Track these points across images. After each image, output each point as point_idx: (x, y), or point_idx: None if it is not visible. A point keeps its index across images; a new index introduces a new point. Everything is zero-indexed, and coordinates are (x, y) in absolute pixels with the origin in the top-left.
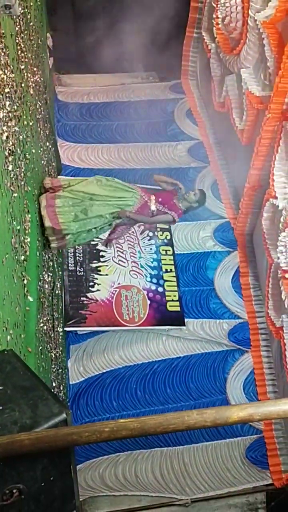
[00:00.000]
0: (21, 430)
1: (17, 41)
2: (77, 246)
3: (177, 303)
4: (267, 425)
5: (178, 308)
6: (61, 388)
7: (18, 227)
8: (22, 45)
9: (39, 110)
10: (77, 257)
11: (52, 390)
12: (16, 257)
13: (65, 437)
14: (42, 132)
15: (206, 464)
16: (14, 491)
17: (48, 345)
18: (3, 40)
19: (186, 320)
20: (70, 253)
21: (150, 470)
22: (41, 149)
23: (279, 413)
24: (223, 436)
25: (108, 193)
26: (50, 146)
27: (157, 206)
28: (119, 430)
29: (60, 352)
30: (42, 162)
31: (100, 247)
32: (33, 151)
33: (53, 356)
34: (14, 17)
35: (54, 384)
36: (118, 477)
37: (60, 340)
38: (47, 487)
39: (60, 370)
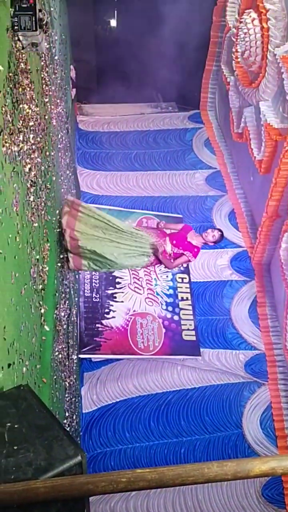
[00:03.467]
0: (35, 472)
1: (42, 75)
2: (93, 273)
3: (193, 332)
4: None
5: (193, 338)
6: (74, 417)
7: (37, 257)
8: (47, 79)
9: (61, 139)
10: (93, 283)
11: (66, 420)
12: (34, 286)
13: (80, 486)
14: (63, 160)
15: (221, 501)
16: None
17: (63, 374)
18: (29, 76)
19: (201, 350)
20: (87, 279)
21: (163, 506)
22: (61, 177)
23: None
24: None
25: (125, 241)
26: (70, 174)
27: (172, 249)
28: (136, 481)
29: (74, 380)
30: (62, 190)
31: (116, 273)
32: (54, 179)
33: (67, 384)
34: (40, 53)
35: (67, 414)
36: None
37: (74, 367)
38: None
39: (73, 399)
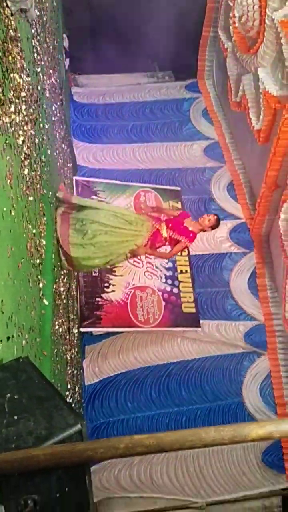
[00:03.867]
0: (36, 441)
1: (33, 44)
2: None
3: (193, 305)
4: None
5: (193, 310)
6: (76, 389)
7: (34, 231)
8: (38, 48)
9: (55, 112)
10: None
11: (68, 392)
12: (31, 261)
13: (80, 453)
14: (57, 134)
15: (222, 467)
16: (29, 501)
17: (64, 347)
18: (19, 44)
19: (201, 321)
20: None
21: (165, 472)
22: (57, 151)
23: None
24: None
25: (120, 225)
26: (65, 148)
27: (168, 233)
28: (134, 446)
29: (76, 354)
30: (58, 164)
31: None
32: (49, 153)
33: (68, 358)
34: (30, 20)
35: (69, 386)
36: (133, 479)
37: (75, 341)
38: (62, 498)
39: (75, 372)
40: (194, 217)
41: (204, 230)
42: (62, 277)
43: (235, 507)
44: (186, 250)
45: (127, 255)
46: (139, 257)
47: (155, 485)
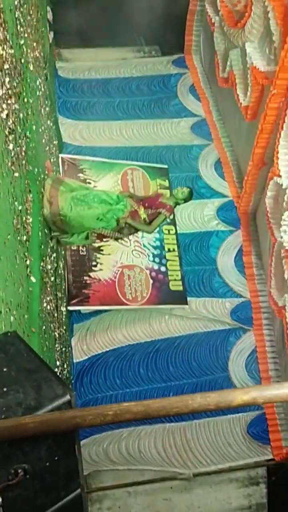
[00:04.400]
0: (25, 411)
1: (16, 15)
2: None
3: (180, 283)
4: None
5: (180, 288)
6: (65, 366)
7: (20, 207)
8: (22, 20)
9: (39, 86)
10: None
11: (57, 369)
12: (18, 237)
13: (68, 420)
14: (42, 109)
15: (208, 439)
16: (19, 470)
17: (52, 325)
18: (1, 15)
19: (188, 299)
20: None
21: (153, 445)
22: (42, 127)
23: (282, 397)
24: (225, 413)
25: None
26: (51, 124)
27: (146, 212)
28: (122, 413)
29: (64, 331)
30: (43, 140)
31: None
32: (34, 128)
33: (57, 335)
34: None
35: (58, 363)
36: (122, 452)
37: (63, 319)
38: (51, 466)
39: (64, 349)
40: None
41: (178, 204)
42: (50, 255)
43: (221, 477)
44: (173, 228)
45: (119, 220)
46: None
47: (143, 458)
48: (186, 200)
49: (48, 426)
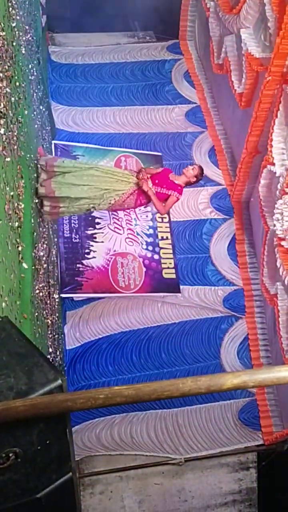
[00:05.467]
0: (16, 396)
1: None
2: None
3: (173, 271)
4: (260, 388)
5: (173, 276)
6: (58, 353)
7: (12, 193)
8: (14, 2)
9: (32, 71)
10: (73, 224)
11: (49, 356)
12: (10, 223)
13: (59, 403)
14: (35, 94)
15: (200, 425)
16: (11, 454)
17: (44, 312)
18: None
19: (181, 287)
20: (65, 220)
21: (145, 431)
22: (34, 112)
23: (272, 380)
24: (216, 399)
25: (105, 178)
26: (43, 109)
27: (155, 188)
28: (113, 397)
29: (57, 319)
30: (36, 126)
31: (96, 214)
32: (26, 113)
33: (49, 322)
34: None
35: (50, 350)
36: (114, 437)
37: (56, 306)
38: (43, 450)
39: (56, 336)
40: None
41: (190, 182)
42: (42, 242)
43: (212, 462)
44: (167, 216)
45: (121, 194)
46: (120, 224)
47: (135, 443)
48: (197, 177)
49: (39, 410)
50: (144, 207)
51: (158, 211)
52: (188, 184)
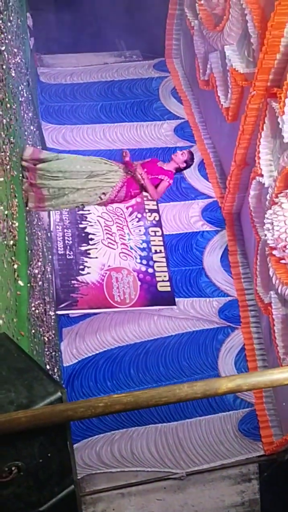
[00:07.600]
0: (18, 409)
1: None
2: (65, 230)
3: (167, 283)
4: (258, 398)
5: (168, 288)
6: (55, 370)
7: (6, 212)
8: (2, 26)
9: (22, 92)
10: (66, 241)
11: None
12: (5, 242)
13: (60, 413)
14: (26, 115)
15: (200, 438)
16: (13, 468)
17: (41, 329)
18: None
19: (176, 299)
20: (59, 237)
21: (146, 446)
22: (26, 132)
23: (266, 383)
24: (216, 411)
25: (92, 168)
26: (34, 130)
27: (146, 176)
28: (112, 404)
29: (53, 335)
30: (27, 146)
31: (89, 230)
32: (17, 133)
33: (46, 339)
34: None
35: (48, 367)
36: (114, 454)
37: (52, 323)
38: (44, 463)
39: (53, 353)
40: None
41: (179, 168)
42: (37, 259)
43: (214, 475)
44: (159, 230)
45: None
46: (113, 239)
47: (136, 459)
48: (186, 163)
49: (40, 420)
50: (137, 221)
51: (151, 196)
52: (178, 170)
